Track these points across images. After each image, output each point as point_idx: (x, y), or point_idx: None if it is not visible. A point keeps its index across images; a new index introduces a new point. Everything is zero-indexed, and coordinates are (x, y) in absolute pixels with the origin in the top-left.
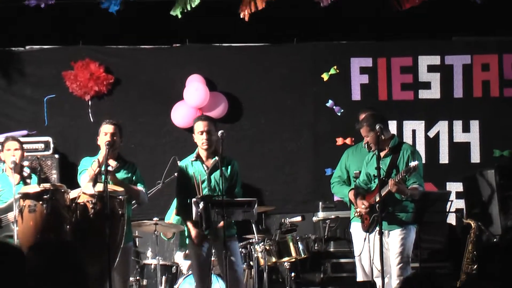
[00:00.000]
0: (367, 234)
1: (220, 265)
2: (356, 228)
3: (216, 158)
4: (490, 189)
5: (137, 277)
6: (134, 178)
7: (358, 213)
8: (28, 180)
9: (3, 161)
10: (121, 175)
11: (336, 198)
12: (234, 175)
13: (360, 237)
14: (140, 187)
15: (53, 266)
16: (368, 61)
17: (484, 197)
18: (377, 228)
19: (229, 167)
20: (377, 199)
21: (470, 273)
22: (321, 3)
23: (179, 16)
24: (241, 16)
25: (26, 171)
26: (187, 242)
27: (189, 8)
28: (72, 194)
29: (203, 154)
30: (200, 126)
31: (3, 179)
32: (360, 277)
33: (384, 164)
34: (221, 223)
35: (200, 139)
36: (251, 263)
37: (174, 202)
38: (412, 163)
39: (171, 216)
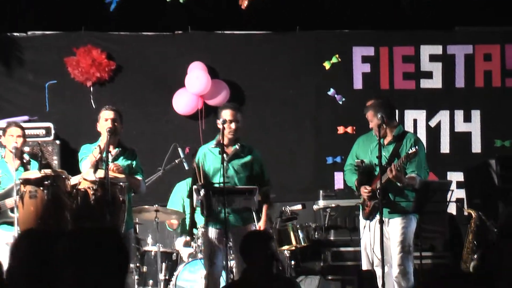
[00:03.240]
0: (368, 221)
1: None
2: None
3: (237, 146)
4: (491, 179)
5: (137, 264)
6: (134, 165)
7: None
8: (28, 166)
9: (3, 146)
10: (121, 162)
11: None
12: (258, 163)
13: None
14: (138, 176)
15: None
16: (370, 50)
17: (485, 187)
18: (378, 217)
19: (249, 156)
20: (378, 186)
21: (470, 262)
22: None
23: (181, 0)
24: (239, 3)
25: (26, 158)
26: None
27: None
28: (73, 180)
29: (225, 141)
30: (228, 114)
31: (3, 165)
32: (365, 266)
33: (387, 152)
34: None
35: (228, 127)
36: None
37: (175, 189)
38: (411, 150)
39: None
